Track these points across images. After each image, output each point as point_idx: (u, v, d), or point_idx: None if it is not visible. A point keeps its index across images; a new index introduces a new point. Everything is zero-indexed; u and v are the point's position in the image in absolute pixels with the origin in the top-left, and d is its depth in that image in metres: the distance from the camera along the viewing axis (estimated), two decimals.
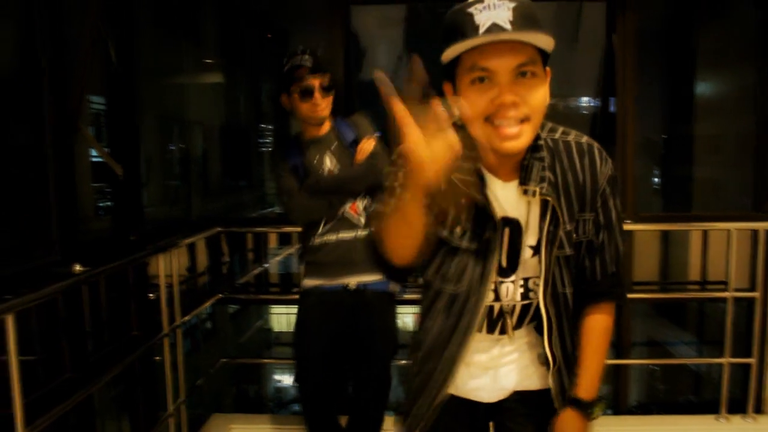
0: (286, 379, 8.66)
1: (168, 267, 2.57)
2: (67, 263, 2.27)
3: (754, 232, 3.19)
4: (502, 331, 1.25)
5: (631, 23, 3.24)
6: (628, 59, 3.26)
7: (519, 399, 1.32)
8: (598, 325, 1.25)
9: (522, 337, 1.30)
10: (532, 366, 1.31)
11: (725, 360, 3.10)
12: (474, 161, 1.06)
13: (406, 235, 1.04)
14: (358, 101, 3.42)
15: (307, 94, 2.13)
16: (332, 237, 2.27)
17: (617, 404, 3.48)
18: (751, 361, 3.14)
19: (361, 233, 2.27)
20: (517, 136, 1.03)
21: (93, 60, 2.47)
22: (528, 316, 1.27)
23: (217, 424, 3.05)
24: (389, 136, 0.97)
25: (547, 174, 1.13)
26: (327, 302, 2.31)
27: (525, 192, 1.14)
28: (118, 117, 2.85)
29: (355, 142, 2.27)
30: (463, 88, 1.05)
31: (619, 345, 3.43)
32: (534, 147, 1.13)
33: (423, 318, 1.29)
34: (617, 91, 3.31)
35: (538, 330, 1.26)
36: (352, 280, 2.29)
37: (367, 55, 5.24)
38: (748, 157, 3.51)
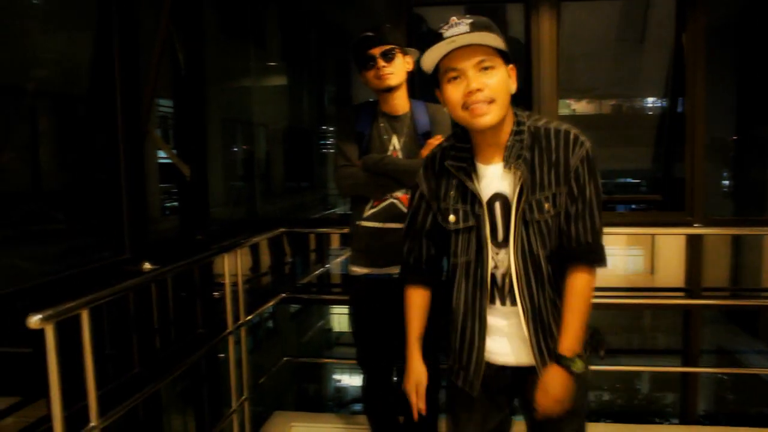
0: (346, 379, 8.73)
1: (233, 266, 2.61)
2: (137, 262, 2.35)
3: None
4: (513, 302, 1.45)
5: (701, 19, 3.09)
6: (698, 57, 3.10)
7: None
8: (575, 286, 1.43)
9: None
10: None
11: None
12: (467, 152, 1.44)
13: None
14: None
15: (371, 62, 2.13)
16: (381, 224, 2.21)
17: (684, 413, 3.35)
18: None
19: None
20: (487, 113, 1.35)
21: (163, 66, 2.54)
22: None
23: (278, 421, 3.09)
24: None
25: (525, 153, 1.41)
26: (374, 290, 2.25)
27: (506, 167, 1.41)
28: (185, 120, 2.94)
29: (428, 134, 2.21)
30: (444, 88, 1.39)
31: (687, 352, 3.29)
32: (517, 131, 1.42)
33: (452, 291, 1.51)
34: (686, 90, 3.16)
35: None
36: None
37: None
38: None
